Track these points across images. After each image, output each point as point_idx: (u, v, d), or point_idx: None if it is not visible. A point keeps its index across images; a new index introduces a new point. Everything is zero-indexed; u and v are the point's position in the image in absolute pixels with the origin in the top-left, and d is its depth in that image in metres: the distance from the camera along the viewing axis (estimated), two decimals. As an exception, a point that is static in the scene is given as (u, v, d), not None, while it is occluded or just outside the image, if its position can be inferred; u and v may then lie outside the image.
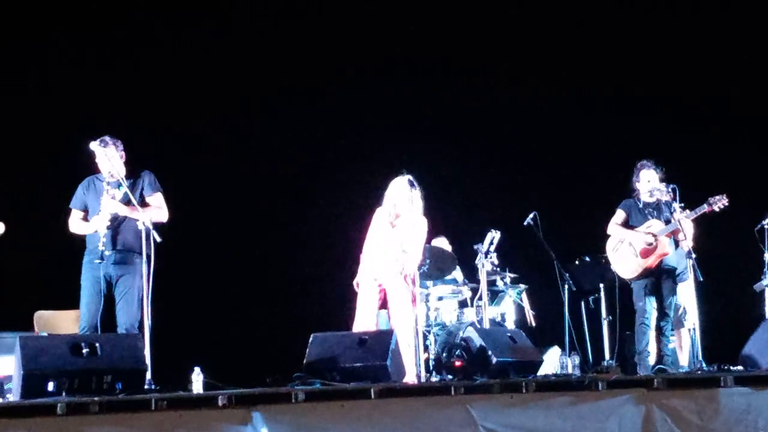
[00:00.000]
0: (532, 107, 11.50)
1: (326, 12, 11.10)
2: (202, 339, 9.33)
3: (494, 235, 9.69)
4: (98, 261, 7.28)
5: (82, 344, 6.26)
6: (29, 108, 9.45)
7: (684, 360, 9.11)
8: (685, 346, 9.20)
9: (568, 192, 11.39)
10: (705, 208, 8.66)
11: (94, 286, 7.38)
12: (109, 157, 7.49)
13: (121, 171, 7.54)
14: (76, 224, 7.63)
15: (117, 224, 7.44)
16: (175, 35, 10.38)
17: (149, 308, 7.08)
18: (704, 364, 8.16)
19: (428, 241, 9.70)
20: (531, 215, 9.77)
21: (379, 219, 8.41)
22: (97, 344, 6.29)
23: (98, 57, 10.02)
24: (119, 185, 7.49)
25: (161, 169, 9.32)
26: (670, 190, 8.72)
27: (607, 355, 10.07)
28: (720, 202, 8.65)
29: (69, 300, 7.65)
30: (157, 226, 7.31)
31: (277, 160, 10.77)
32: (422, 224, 8.40)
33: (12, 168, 9.18)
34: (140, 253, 7.35)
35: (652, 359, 8.87)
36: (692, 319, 8.87)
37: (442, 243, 10.11)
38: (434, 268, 9.48)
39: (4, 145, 9.27)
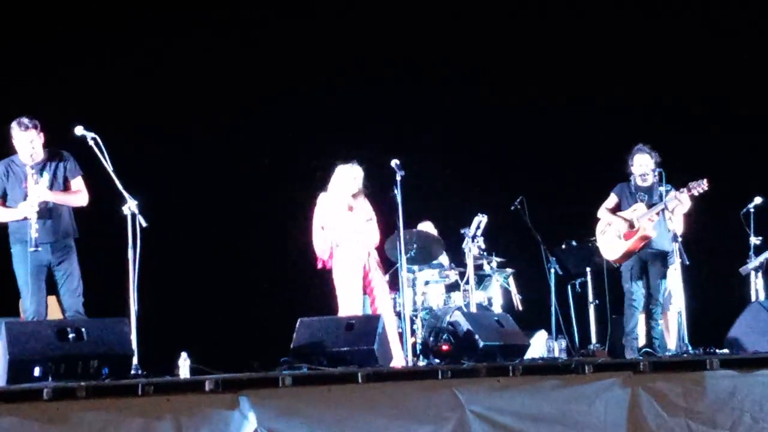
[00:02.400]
0: (519, 92, 11.51)
1: (317, 11, 11.09)
2: (189, 324, 9.32)
3: (481, 219, 9.71)
4: (33, 249, 7.16)
5: (68, 329, 6.23)
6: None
7: (671, 343, 9.15)
8: (672, 329, 9.24)
9: (554, 176, 11.41)
10: (685, 193, 8.65)
11: (38, 275, 7.28)
12: (30, 140, 7.33)
13: (41, 154, 7.40)
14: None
15: (48, 210, 7.33)
16: (157, 33, 10.34)
17: (135, 294, 7.04)
18: (690, 347, 8.21)
19: (413, 225, 9.75)
20: (518, 199, 9.80)
21: (332, 205, 8.45)
22: (83, 329, 6.26)
23: (84, 55, 9.97)
24: (42, 170, 7.36)
25: (147, 158, 9.33)
26: (656, 174, 8.75)
27: (593, 339, 10.12)
28: (699, 187, 8.64)
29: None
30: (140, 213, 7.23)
31: (263, 148, 10.76)
32: (366, 202, 8.56)
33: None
34: (74, 238, 7.40)
35: (640, 342, 8.90)
36: (678, 302, 8.91)
37: (428, 227, 10.12)
38: (421, 252, 9.49)
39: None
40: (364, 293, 8.45)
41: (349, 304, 8.27)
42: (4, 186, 7.40)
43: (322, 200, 8.48)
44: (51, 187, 7.36)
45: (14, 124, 7.36)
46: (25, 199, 7.30)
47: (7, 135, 7.44)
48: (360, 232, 8.41)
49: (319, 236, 8.43)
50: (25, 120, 7.35)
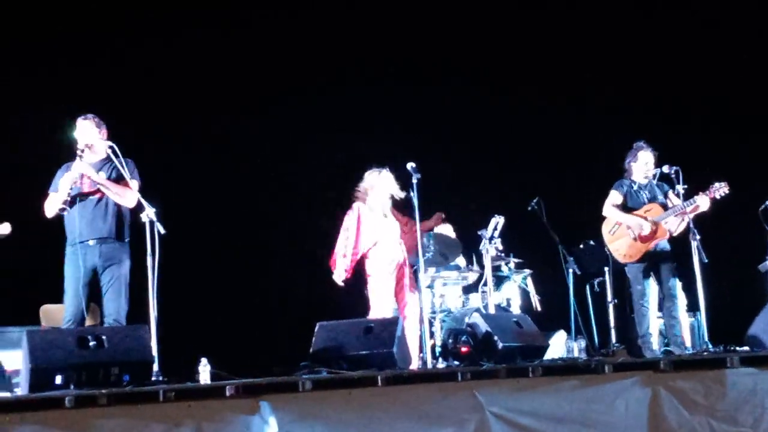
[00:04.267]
0: (536, 93, 11.50)
1: (323, 9, 11.10)
2: (209, 330, 9.35)
3: (498, 221, 9.70)
4: (81, 240, 7.23)
5: (89, 337, 6.25)
6: (32, 105, 9.44)
7: (687, 341, 9.12)
8: (685, 326, 9.22)
9: (571, 176, 11.39)
10: (707, 195, 8.62)
11: (80, 278, 7.30)
12: (85, 129, 7.44)
13: (101, 153, 7.47)
14: (48, 204, 7.45)
15: (93, 206, 7.38)
16: (165, 32, 10.37)
17: (155, 300, 7.07)
18: (710, 345, 8.18)
19: (431, 228, 9.76)
20: (535, 200, 9.78)
21: (371, 213, 8.57)
22: (104, 337, 6.28)
23: (88, 54, 10.00)
24: (99, 170, 7.44)
25: (165, 161, 9.36)
26: (673, 171, 8.71)
27: (613, 338, 10.08)
28: (720, 190, 8.61)
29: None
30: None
31: (279, 153, 10.78)
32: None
33: (14, 165, 9.18)
34: (126, 239, 7.42)
35: (655, 341, 8.87)
36: (683, 299, 8.92)
37: (447, 230, 10.11)
38: (439, 254, 9.51)
39: (4, 141, 9.28)
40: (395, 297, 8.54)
41: (380, 306, 8.38)
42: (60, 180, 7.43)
43: (361, 208, 8.60)
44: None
45: (79, 118, 7.49)
46: (76, 193, 7.34)
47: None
48: (397, 236, 8.57)
49: (341, 242, 8.51)
50: (89, 114, 7.52)
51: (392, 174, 8.67)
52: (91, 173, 7.37)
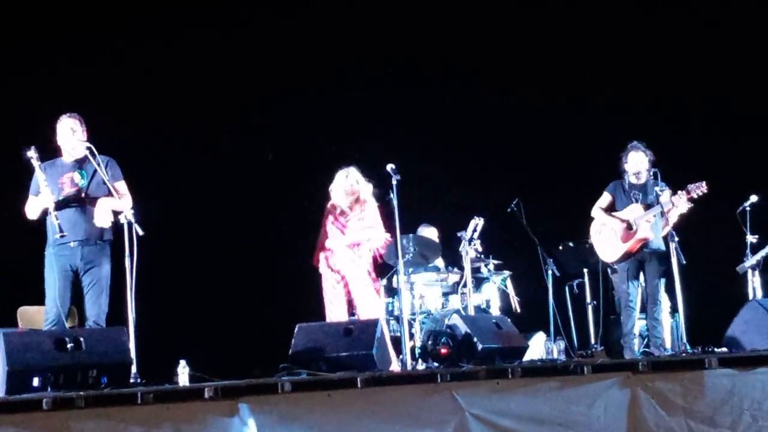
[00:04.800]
0: (514, 94, 11.52)
1: (320, 10, 11.10)
2: (187, 332, 9.31)
3: (477, 222, 9.71)
4: (59, 235, 7.15)
5: (67, 339, 6.21)
6: (14, 104, 9.38)
7: (667, 342, 9.15)
8: (665, 327, 9.25)
9: (550, 177, 11.42)
10: (684, 194, 8.64)
11: (63, 279, 7.25)
12: (71, 126, 7.42)
13: (81, 150, 7.43)
14: (30, 206, 7.39)
15: (77, 207, 7.33)
16: (162, 32, 10.35)
17: (133, 302, 7.04)
18: (689, 347, 8.20)
19: (413, 230, 9.78)
20: (514, 201, 9.80)
21: (329, 212, 8.57)
22: (82, 339, 6.24)
23: (83, 54, 9.97)
24: (80, 169, 7.41)
25: (143, 166, 9.31)
26: (651, 172, 8.74)
27: (592, 340, 10.12)
28: (698, 189, 8.62)
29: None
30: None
31: (260, 152, 10.76)
32: (372, 203, 8.55)
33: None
34: (108, 240, 7.38)
35: (637, 341, 8.90)
36: (666, 302, 8.95)
37: (432, 233, 10.13)
38: (419, 256, 9.52)
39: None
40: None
41: (334, 312, 8.36)
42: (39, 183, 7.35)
43: (329, 207, 8.57)
44: (88, 187, 7.38)
45: (60, 117, 7.46)
46: (59, 195, 7.29)
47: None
48: (352, 239, 8.46)
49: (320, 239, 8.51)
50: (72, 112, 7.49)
51: (354, 170, 8.58)
52: (105, 205, 7.34)
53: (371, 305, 8.44)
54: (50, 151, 7.55)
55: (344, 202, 8.50)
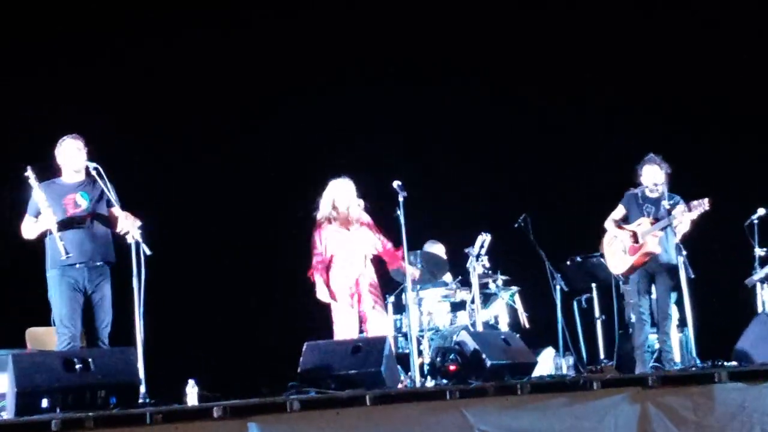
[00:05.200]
0: (521, 109, 11.52)
1: (323, 12, 11.11)
2: (196, 351, 9.31)
3: (485, 238, 9.70)
4: (65, 257, 7.11)
5: (75, 360, 6.22)
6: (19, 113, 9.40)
7: (676, 356, 9.12)
8: (674, 341, 9.23)
9: (558, 193, 11.41)
10: (686, 211, 8.58)
11: (74, 299, 7.21)
12: (79, 148, 7.40)
13: (83, 173, 7.44)
14: (26, 227, 7.36)
15: (83, 228, 7.31)
16: (163, 33, 10.36)
17: (141, 322, 7.05)
18: (698, 361, 8.17)
19: (420, 246, 9.77)
20: (521, 217, 9.80)
21: (328, 225, 8.53)
22: (90, 359, 6.25)
23: (88, 55, 9.98)
24: (81, 190, 7.40)
25: (149, 186, 9.33)
26: (657, 187, 8.73)
27: (601, 355, 10.09)
28: (700, 207, 8.54)
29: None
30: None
31: (267, 169, 10.77)
32: (365, 216, 8.62)
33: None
34: (111, 262, 7.37)
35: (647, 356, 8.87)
36: (676, 315, 8.92)
37: (439, 249, 10.12)
38: (427, 272, 9.51)
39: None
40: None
41: (341, 327, 8.34)
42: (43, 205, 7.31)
43: (318, 218, 8.56)
44: (91, 208, 7.36)
45: (63, 138, 7.43)
46: (63, 216, 7.26)
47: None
48: (353, 248, 8.49)
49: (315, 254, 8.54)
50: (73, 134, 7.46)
51: (349, 181, 8.62)
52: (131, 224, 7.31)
53: (380, 322, 8.45)
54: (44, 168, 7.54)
55: (345, 206, 8.51)
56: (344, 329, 8.35)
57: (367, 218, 8.64)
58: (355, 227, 8.56)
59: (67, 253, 7.14)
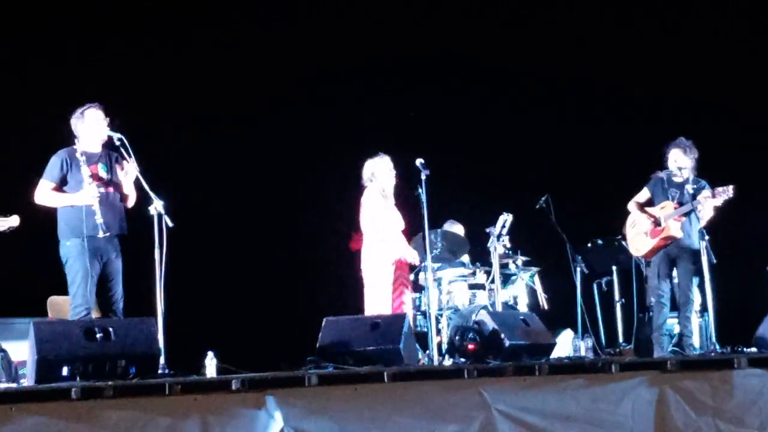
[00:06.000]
0: (543, 90, 11.48)
1: (325, 10, 11.11)
2: (215, 323, 9.34)
3: (506, 218, 9.68)
4: (102, 235, 7.10)
5: (96, 329, 6.25)
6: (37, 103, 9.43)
7: (695, 341, 9.09)
8: (694, 327, 9.20)
9: (580, 174, 11.37)
10: (710, 197, 8.53)
11: (94, 268, 7.18)
12: (103, 118, 7.36)
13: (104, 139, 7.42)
14: (49, 195, 7.28)
15: (108, 201, 7.28)
16: (175, 33, 10.38)
17: (162, 293, 7.07)
18: (718, 346, 8.15)
19: (440, 225, 9.77)
20: (543, 198, 9.77)
21: (379, 198, 8.53)
22: (111, 329, 6.28)
23: (105, 50, 10.01)
24: (98, 161, 7.35)
25: (173, 158, 9.35)
26: (681, 172, 8.68)
27: (620, 338, 10.07)
28: (725, 194, 8.49)
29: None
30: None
31: (286, 148, 10.77)
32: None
33: (19, 159, 9.13)
34: (125, 234, 7.39)
35: (665, 340, 8.84)
36: (697, 300, 8.88)
37: (458, 229, 10.11)
38: (446, 251, 9.51)
39: (13, 138, 9.27)
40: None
41: (377, 300, 8.34)
42: (64, 174, 7.30)
43: (371, 194, 8.58)
44: (111, 178, 7.36)
45: (85, 108, 7.37)
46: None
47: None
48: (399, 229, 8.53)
49: (370, 223, 8.53)
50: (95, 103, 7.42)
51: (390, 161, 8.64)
52: (132, 175, 7.35)
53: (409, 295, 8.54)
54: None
55: (390, 185, 8.53)
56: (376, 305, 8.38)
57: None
58: (394, 208, 8.59)
59: (105, 230, 7.14)
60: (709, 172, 8.87)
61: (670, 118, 11.05)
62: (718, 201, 8.49)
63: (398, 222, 8.65)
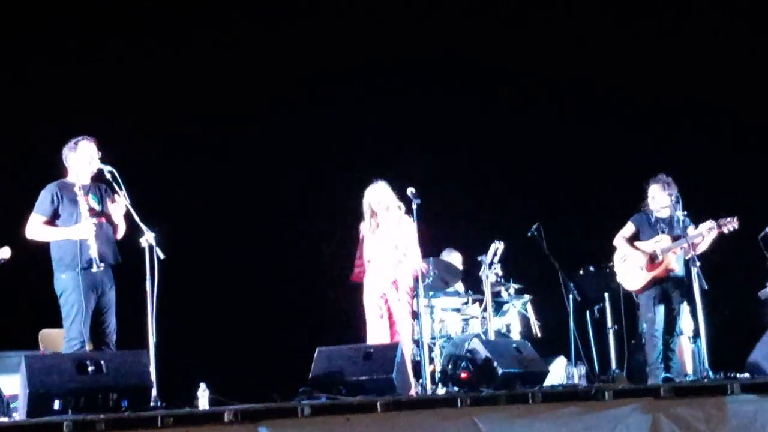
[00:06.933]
0: (535, 118, 11.50)
1: (332, 15, 11.13)
2: (207, 355, 9.32)
3: (498, 246, 9.69)
4: (97, 269, 7.11)
5: (88, 362, 6.25)
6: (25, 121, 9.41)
7: (688, 367, 9.09)
8: (686, 353, 9.20)
9: (571, 202, 11.39)
10: (714, 229, 8.58)
11: (89, 301, 7.17)
12: (93, 152, 7.38)
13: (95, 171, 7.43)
14: (42, 230, 7.28)
15: (102, 233, 7.30)
16: (171, 38, 10.37)
17: (154, 325, 7.05)
18: (710, 372, 8.15)
19: (436, 254, 9.76)
20: (535, 226, 9.78)
21: (365, 232, 8.54)
22: (103, 362, 6.28)
23: (90, 57, 10.00)
24: (89, 192, 7.37)
25: (163, 191, 9.33)
26: (674, 198, 8.71)
27: (613, 365, 10.06)
28: (730, 225, 8.56)
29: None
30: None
31: (280, 174, 10.77)
32: (407, 221, 8.39)
33: (9, 189, 9.12)
34: (119, 263, 7.40)
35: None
36: (688, 326, 8.87)
37: (456, 258, 10.11)
38: (439, 280, 9.50)
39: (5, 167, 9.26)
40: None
41: (371, 329, 8.32)
42: (55, 207, 7.31)
43: (361, 227, 8.58)
44: (102, 209, 7.37)
45: (78, 139, 7.39)
46: (77, 221, 7.24)
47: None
48: (385, 255, 8.42)
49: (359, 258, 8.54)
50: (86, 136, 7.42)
51: (383, 185, 8.52)
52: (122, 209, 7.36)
53: (407, 325, 8.43)
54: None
55: (379, 215, 8.46)
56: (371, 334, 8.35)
57: (408, 228, 8.41)
58: (385, 233, 8.51)
59: (99, 262, 7.14)
60: (699, 198, 8.91)
61: (662, 146, 11.07)
62: (724, 232, 8.55)
63: (389, 249, 8.57)
